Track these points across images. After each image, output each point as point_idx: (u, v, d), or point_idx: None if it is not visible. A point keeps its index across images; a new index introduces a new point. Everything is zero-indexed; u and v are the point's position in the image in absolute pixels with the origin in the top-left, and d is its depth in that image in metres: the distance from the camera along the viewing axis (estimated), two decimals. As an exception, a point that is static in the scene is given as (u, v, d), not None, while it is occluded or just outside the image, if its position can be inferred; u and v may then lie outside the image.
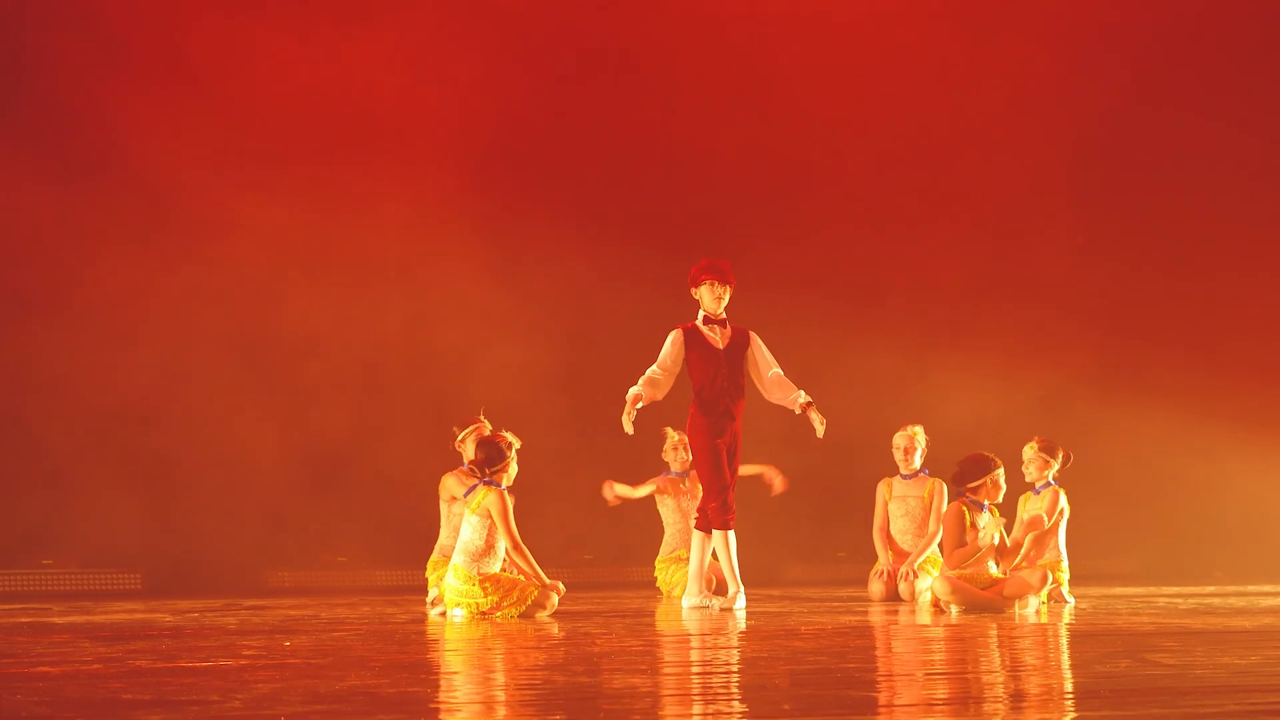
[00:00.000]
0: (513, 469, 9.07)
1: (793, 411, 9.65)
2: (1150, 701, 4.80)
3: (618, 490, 11.28)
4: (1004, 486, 9.43)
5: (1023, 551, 9.96)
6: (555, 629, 8.01)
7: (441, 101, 13.67)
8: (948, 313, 14.88)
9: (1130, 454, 14.86)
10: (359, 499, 13.42)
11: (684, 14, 14.50)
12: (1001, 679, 5.58)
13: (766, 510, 12.16)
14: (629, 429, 9.29)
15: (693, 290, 9.62)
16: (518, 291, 13.71)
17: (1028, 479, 10.51)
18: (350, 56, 13.43)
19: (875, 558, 11.19)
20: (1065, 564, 10.42)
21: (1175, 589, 11.71)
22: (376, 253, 13.63)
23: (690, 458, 10.68)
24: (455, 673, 6.08)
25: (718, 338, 9.54)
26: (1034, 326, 14.94)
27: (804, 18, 14.57)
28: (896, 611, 9.59)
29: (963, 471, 9.42)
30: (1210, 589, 11.63)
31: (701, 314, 9.59)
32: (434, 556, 10.30)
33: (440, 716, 4.69)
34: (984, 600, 9.15)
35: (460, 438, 10.25)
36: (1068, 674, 5.72)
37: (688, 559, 10.09)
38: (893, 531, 11.18)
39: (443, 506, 10.26)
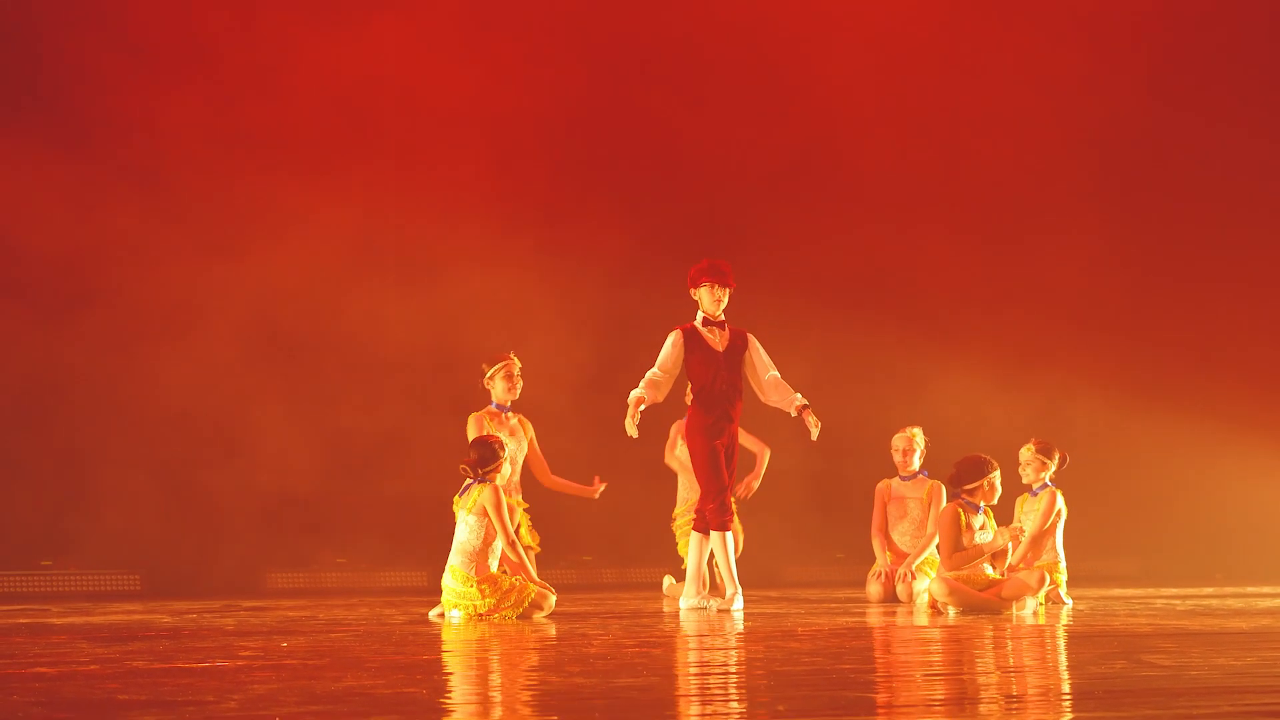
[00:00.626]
0: (506, 468, 9.10)
1: (789, 414, 9.68)
2: (1145, 703, 4.80)
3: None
4: (1000, 489, 9.44)
5: (1018, 553, 9.98)
6: (552, 630, 8.02)
7: (470, 92, 13.63)
8: (947, 314, 14.88)
9: (1129, 455, 14.86)
10: (367, 500, 13.39)
11: (711, 7, 14.50)
12: (998, 680, 5.59)
13: (765, 511, 12.16)
14: (633, 432, 9.30)
15: (692, 291, 9.63)
16: (549, 288, 13.56)
17: (1025, 481, 10.51)
18: (379, 48, 13.40)
19: (873, 559, 11.20)
20: (1063, 565, 10.42)
21: (1173, 590, 11.71)
22: (400, 250, 13.54)
23: None
24: (452, 674, 6.08)
25: (717, 339, 9.55)
26: (1033, 328, 14.94)
27: (824, 16, 14.55)
28: (894, 613, 9.60)
29: (959, 473, 9.42)
30: (1209, 590, 11.64)
31: (700, 315, 9.59)
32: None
33: (437, 717, 4.70)
34: (981, 601, 9.16)
35: (489, 374, 10.08)
36: (1064, 675, 5.72)
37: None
38: (891, 533, 11.19)
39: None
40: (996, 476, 9.40)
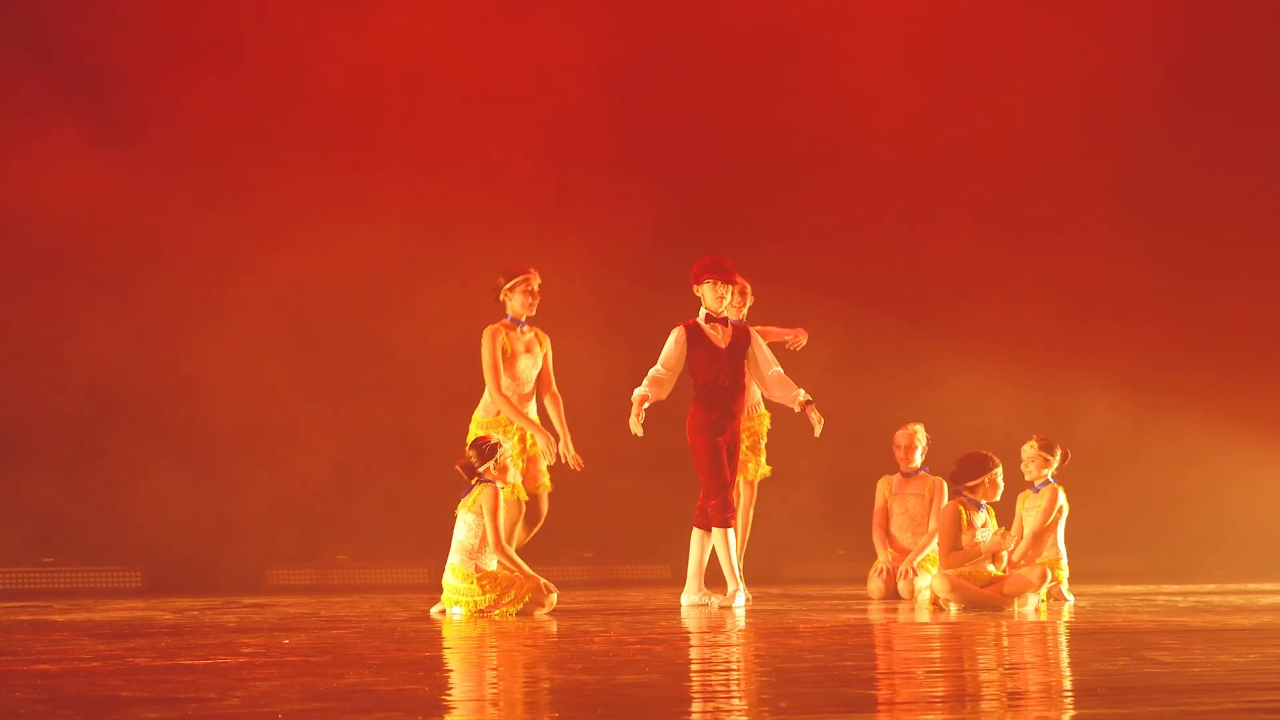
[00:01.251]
0: (512, 472, 9.09)
1: (792, 410, 9.69)
2: (1148, 699, 4.80)
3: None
4: (1002, 486, 9.43)
5: (1020, 549, 9.97)
6: (554, 627, 8.02)
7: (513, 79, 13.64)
8: (949, 307, 14.86)
9: (1130, 452, 14.85)
10: (367, 497, 13.39)
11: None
12: (1000, 677, 5.59)
13: (766, 508, 12.15)
14: (638, 430, 9.30)
15: (695, 288, 9.62)
16: (574, 286, 13.47)
17: (1026, 477, 10.50)
18: (404, 35, 13.39)
19: (875, 555, 11.19)
20: (1064, 562, 10.41)
21: (1175, 587, 11.71)
22: (417, 248, 13.49)
23: None
24: (453, 671, 6.08)
25: (720, 336, 9.55)
26: (1036, 324, 14.93)
27: (843, 10, 14.54)
28: (895, 609, 9.60)
29: (960, 470, 9.42)
30: (1210, 587, 11.63)
31: (703, 312, 9.59)
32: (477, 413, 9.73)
33: (439, 714, 4.70)
34: (983, 598, 9.16)
35: (507, 287, 9.62)
36: (1066, 672, 5.72)
37: None
38: (892, 529, 11.18)
39: (485, 359, 9.60)
40: (999, 473, 9.40)
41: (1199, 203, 15.31)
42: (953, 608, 9.13)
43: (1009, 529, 9.68)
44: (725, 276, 9.54)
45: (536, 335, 9.78)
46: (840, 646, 6.69)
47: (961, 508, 9.36)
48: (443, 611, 8.97)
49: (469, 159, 13.75)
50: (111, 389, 12.81)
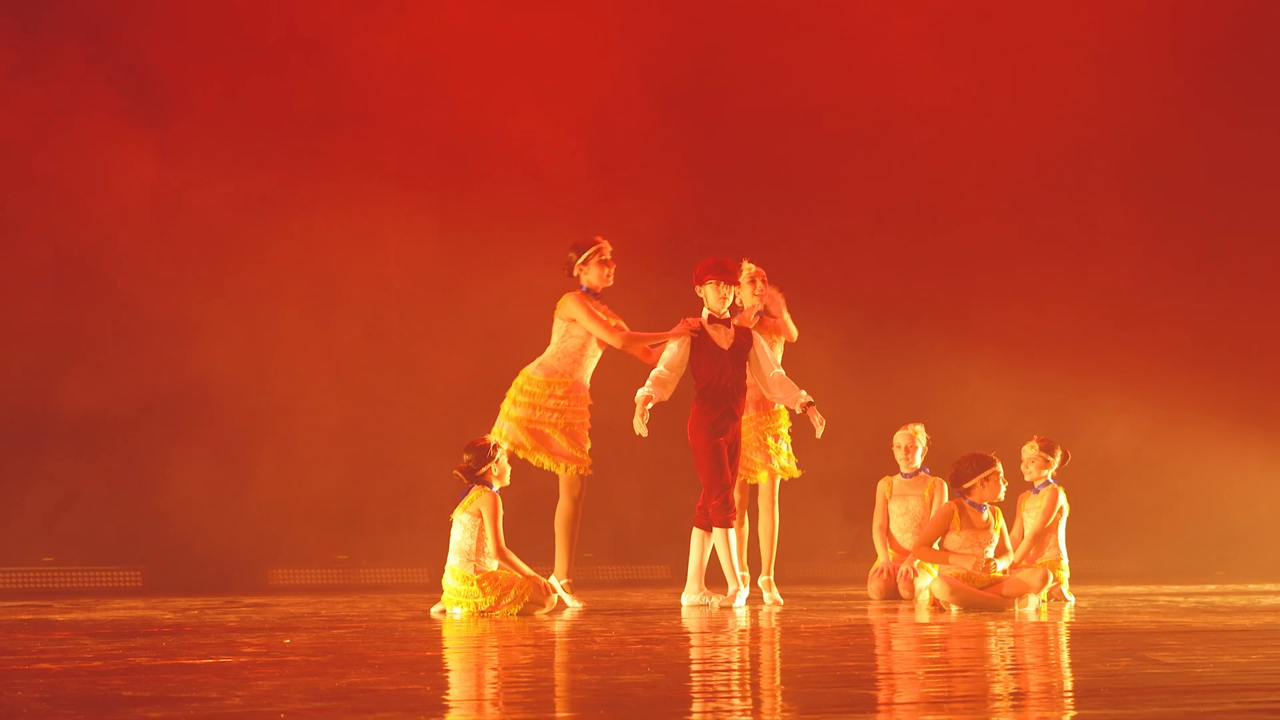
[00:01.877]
0: (506, 474, 9.09)
1: (793, 411, 9.70)
2: (1150, 700, 4.79)
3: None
4: (1004, 485, 9.43)
5: (1020, 550, 9.98)
6: (554, 627, 8.01)
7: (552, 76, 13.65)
8: (950, 309, 14.86)
9: (1131, 452, 14.86)
10: (368, 496, 13.38)
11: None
12: (1001, 677, 5.58)
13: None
14: (642, 431, 9.29)
15: (697, 288, 9.63)
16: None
17: (1027, 478, 10.51)
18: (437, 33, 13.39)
19: (875, 556, 11.19)
20: (1065, 562, 10.42)
21: (1176, 587, 11.71)
22: (439, 249, 13.48)
23: None
24: (454, 670, 6.08)
25: (722, 337, 9.55)
26: (1036, 325, 14.93)
27: (845, 12, 14.55)
28: (896, 610, 9.59)
29: (960, 471, 9.42)
30: (1211, 587, 11.63)
31: (706, 313, 9.59)
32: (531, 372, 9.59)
33: (440, 714, 4.69)
34: (983, 600, 9.15)
35: (581, 260, 9.54)
36: (1067, 672, 5.72)
37: None
38: (893, 530, 11.18)
39: (558, 323, 9.60)
40: (999, 474, 9.39)
41: (1198, 203, 15.31)
42: (953, 609, 9.12)
43: (995, 558, 9.48)
44: (728, 278, 9.54)
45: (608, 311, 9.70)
46: (841, 647, 6.69)
47: (959, 508, 9.35)
48: (443, 611, 8.97)
49: (503, 149, 13.70)
50: (112, 389, 12.80)
